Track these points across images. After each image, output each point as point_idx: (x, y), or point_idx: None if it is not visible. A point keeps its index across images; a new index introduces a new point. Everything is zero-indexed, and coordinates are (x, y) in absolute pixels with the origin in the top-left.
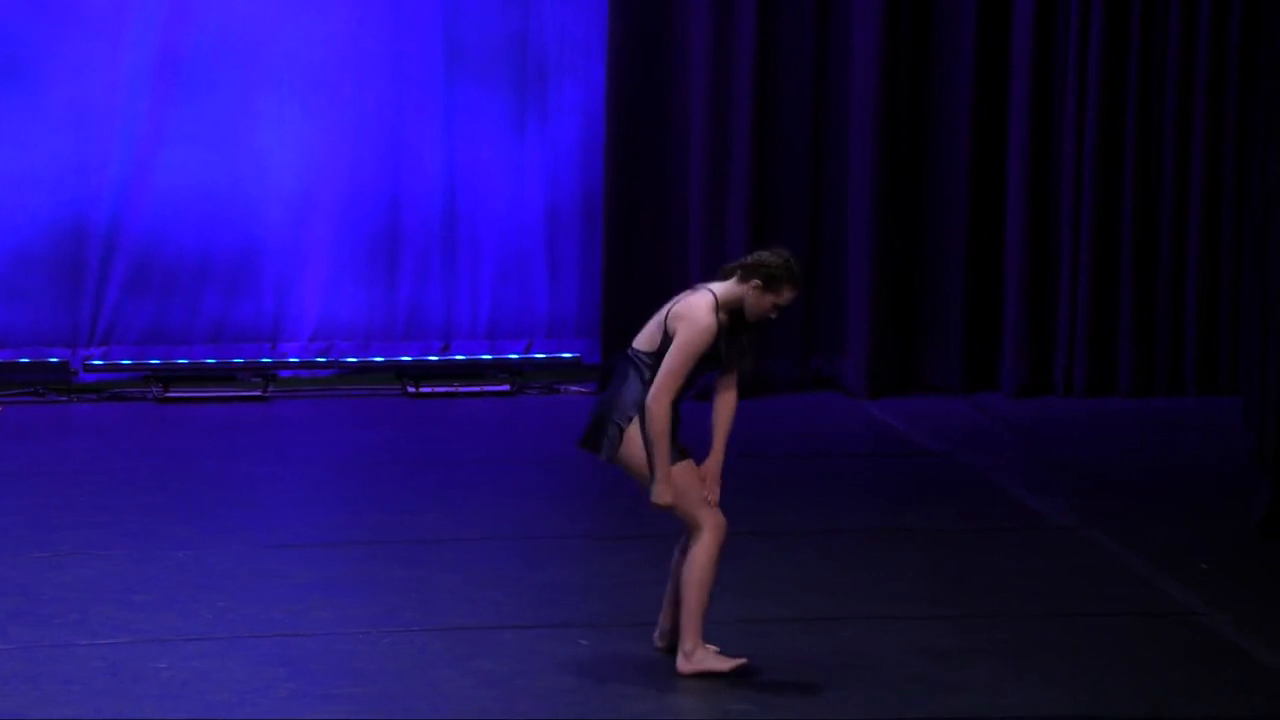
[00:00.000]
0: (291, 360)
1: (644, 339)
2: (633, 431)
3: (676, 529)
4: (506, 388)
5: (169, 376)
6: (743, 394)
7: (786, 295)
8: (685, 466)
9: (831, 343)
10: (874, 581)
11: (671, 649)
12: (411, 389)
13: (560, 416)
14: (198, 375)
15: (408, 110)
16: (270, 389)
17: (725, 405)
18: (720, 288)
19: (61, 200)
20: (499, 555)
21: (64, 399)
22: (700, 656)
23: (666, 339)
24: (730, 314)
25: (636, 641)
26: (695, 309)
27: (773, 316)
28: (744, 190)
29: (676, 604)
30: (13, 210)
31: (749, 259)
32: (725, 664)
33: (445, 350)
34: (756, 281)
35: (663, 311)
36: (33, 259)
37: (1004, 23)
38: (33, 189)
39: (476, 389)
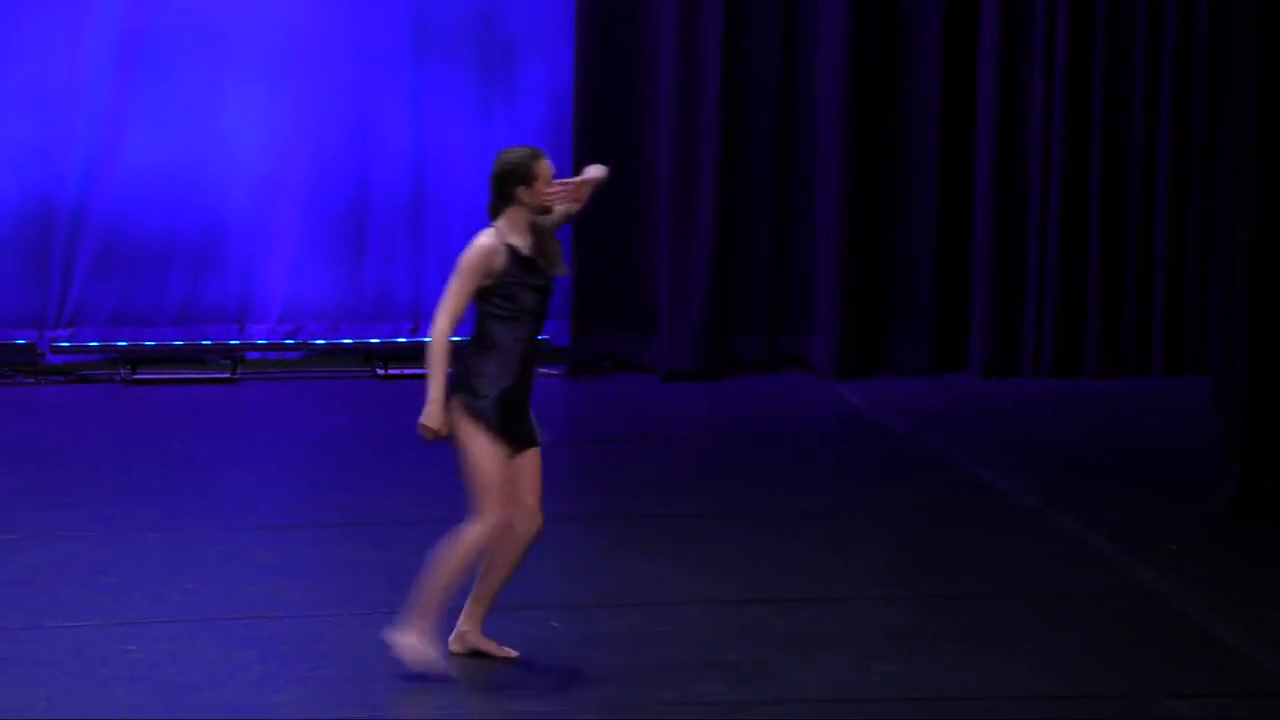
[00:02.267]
0: (259, 342)
1: None
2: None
3: (643, 508)
4: None
5: (137, 358)
6: (710, 375)
7: (546, 166)
8: (495, 450)
9: (800, 323)
10: (838, 563)
11: (471, 652)
12: (380, 371)
13: None
14: (166, 357)
15: (374, 91)
16: (239, 371)
17: None
18: (499, 224)
19: (27, 182)
20: None
21: (31, 381)
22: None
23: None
24: (529, 235)
25: (607, 622)
26: (473, 243)
27: (557, 187)
28: (712, 170)
29: (481, 600)
30: None
31: (493, 188)
32: (431, 656)
33: (414, 332)
34: (518, 188)
35: None
36: None
37: (973, 3)
38: None
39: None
